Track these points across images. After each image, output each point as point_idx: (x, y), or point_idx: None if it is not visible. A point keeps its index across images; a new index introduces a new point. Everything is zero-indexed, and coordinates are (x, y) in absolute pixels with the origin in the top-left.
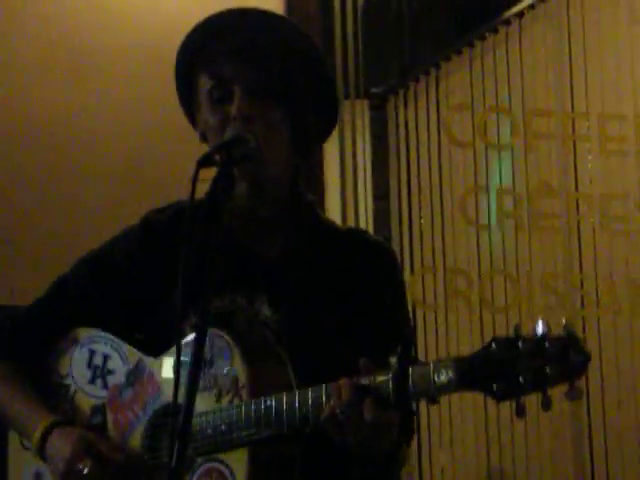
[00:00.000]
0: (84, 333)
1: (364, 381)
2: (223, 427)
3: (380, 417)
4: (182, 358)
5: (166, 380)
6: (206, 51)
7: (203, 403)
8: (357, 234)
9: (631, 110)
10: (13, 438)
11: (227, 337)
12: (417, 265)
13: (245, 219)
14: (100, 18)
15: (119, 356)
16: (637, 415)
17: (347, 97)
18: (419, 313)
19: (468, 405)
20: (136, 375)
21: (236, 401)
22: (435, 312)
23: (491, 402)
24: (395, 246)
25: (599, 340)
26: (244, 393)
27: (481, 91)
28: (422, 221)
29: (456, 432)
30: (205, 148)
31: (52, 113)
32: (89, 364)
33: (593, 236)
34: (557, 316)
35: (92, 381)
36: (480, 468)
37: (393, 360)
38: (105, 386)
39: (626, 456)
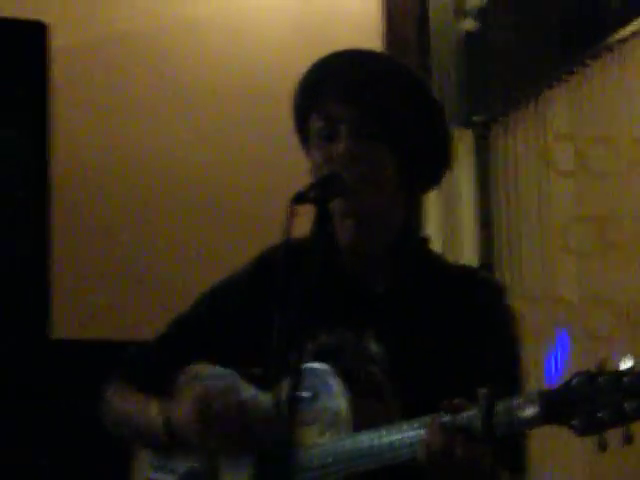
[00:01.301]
0: (202, 369)
1: (453, 418)
2: (330, 460)
3: (470, 451)
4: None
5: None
6: (317, 92)
7: (308, 437)
8: (468, 271)
9: None
10: (139, 459)
11: (331, 371)
12: (519, 293)
13: (352, 255)
14: (208, 58)
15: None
16: None
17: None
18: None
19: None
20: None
21: (337, 435)
22: (537, 341)
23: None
24: (498, 274)
25: None
26: (345, 427)
27: (584, 119)
28: (527, 248)
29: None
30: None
31: (158, 150)
32: None
33: None
34: None
35: None
36: None
37: (480, 395)
38: None
39: None
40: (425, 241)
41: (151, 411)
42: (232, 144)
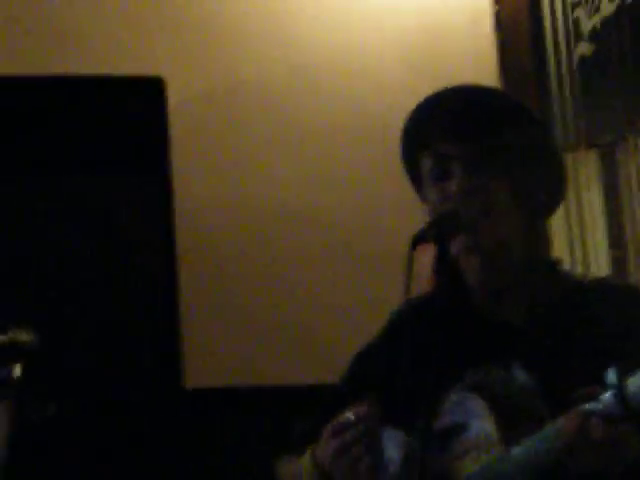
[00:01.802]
0: None
1: (587, 405)
2: None
3: (608, 433)
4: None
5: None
6: (424, 131)
7: (466, 467)
8: (601, 283)
9: None
10: None
11: (478, 398)
12: None
13: (484, 290)
14: (322, 102)
15: (392, 444)
16: None
17: (569, 149)
18: None
19: None
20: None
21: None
22: None
23: None
24: None
25: None
26: (498, 448)
27: None
28: None
29: None
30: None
31: (277, 199)
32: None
33: None
34: None
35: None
36: None
37: (611, 372)
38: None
39: None
40: (556, 264)
41: (304, 459)
42: (350, 187)
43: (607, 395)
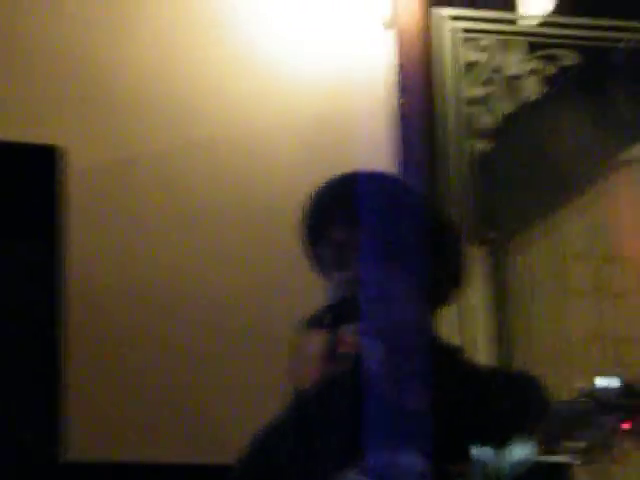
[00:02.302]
0: None
1: None
2: None
3: None
4: None
5: None
6: (320, 219)
7: None
8: (497, 372)
9: None
10: None
11: None
12: None
13: (385, 375)
14: (220, 178)
15: None
16: None
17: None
18: None
19: None
20: None
21: None
22: None
23: None
24: None
25: None
26: None
27: (598, 238)
28: (540, 369)
29: None
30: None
31: (169, 269)
32: None
33: None
34: None
35: None
36: None
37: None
38: None
39: None
40: (451, 350)
41: None
42: (241, 266)
43: (476, 470)
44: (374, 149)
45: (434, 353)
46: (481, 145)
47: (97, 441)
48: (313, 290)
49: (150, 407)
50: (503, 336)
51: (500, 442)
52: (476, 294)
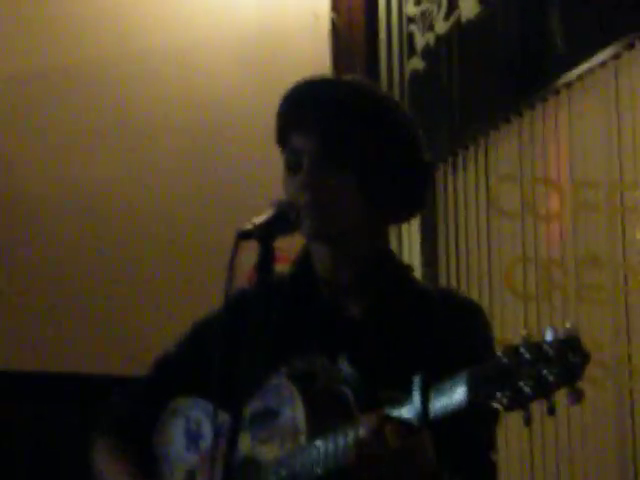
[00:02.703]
0: (182, 402)
1: (386, 410)
2: (284, 473)
3: (403, 441)
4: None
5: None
6: (285, 123)
7: (269, 453)
8: (446, 294)
9: None
10: None
11: (291, 386)
12: None
13: (328, 282)
14: (157, 90)
15: (209, 420)
16: None
17: None
18: None
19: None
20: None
21: (294, 447)
22: None
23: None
24: None
25: None
26: (302, 438)
27: (530, 161)
28: (472, 289)
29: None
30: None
31: (97, 182)
32: (185, 431)
33: None
34: (605, 388)
35: (188, 448)
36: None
37: (414, 384)
38: (197, 451)
39: None
40: (401, 265)
41: None
42: (174, 178)
43: (407, 402)
44: (311, 67)
45: (387, 267)
46: (415, 64)
47: (19, 351)
48: (252, 199)
49: (69, 319)
50: (432, 257)
51: (438, 373)
52: None
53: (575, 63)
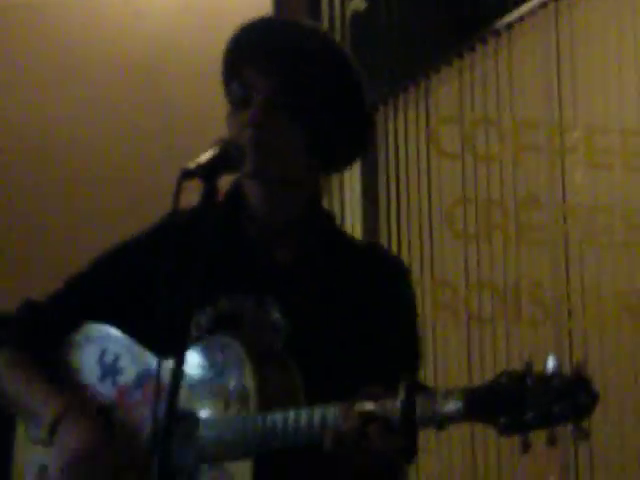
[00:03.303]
0: (96, 329)
1: (370, 406)
2: (228, 436)
3: (385, 442)
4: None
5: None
6: (237, 58)
7: (212, 409)
8: (374, 248)
9: (618, 123)
10: (20, 431)
11: (238, 346)
12: None
13: (260, 222)
14: (87, 28)
15: (130, 356)
16: (622, 427)
17: None
18: None
19: None
20: (146, 377)
21: (243, 412)
22: (422, 323)
23: None
24: None
25: (585, 353)
26: (252, 405)
27: (470, 102)
28: (413, 230)
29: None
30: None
31: (38, 122)
32: (100, 361)
33: (580, 248)
34: (544, 328)
35: (102, 379)
36: (466, 469)
37: (401, 386)
38: (114, 385)
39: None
40: (331, 216)
41: (42, 402)
42: (114, 119)
43: (391, 404)
44: (251, 4)
45: (318, 216)
46: (356, 5)
47: None
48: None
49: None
50: (374, 199)
51: (361, 326)
52: None
53: (515, 4)
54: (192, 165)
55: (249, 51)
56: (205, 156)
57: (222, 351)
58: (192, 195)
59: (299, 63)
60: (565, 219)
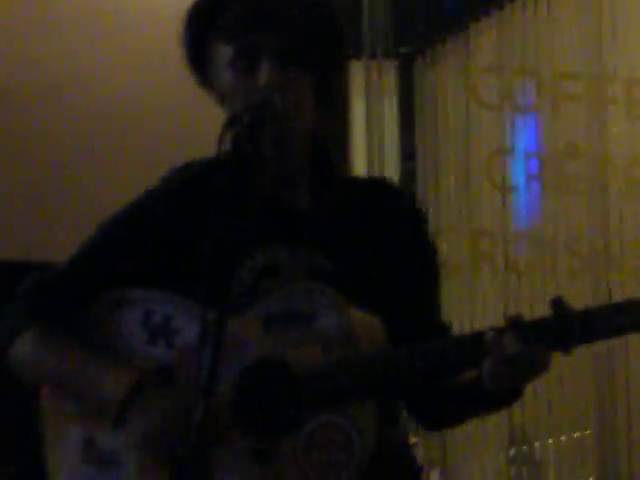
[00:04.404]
0: (134, 293)
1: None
2: (350, 379)
3: (543, 357)
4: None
5: (253, 336)
6: (222, 19)
7: (308, 358)
8: (378, 182)
9: None
10: (51, 404)
11: (329, 291)
12: (443, 226)
13: (273, 175)
14: None
15: (185, 314)
16: None
17: (374, 56)
18: (443, 273)
19: None
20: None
21: (352, 352)
22: (459, 273)
23: None
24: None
25: None
26: (362, 344)
27: (509, 53)
28: (451, 181)
29: None
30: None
31: (77, 70)
32: (145, 324)
33: (619, 200)
34: (582, 279)
35: (152, 341)
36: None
37: (553, 302)
38: (169, 346)
39: None
40: (330, 157)
41: (105, 386)
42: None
43: (547, 320)
44: None
45: (319, 158)
46: None
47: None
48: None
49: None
50: (411, 150)
51: (389, 259)
52: (385, 108)
53: None
54: (238, 112)
55: (244, 12)
56: (247, 106)
57: (309, 298)
58: None
59: (304, 20)
60: (605, 170)
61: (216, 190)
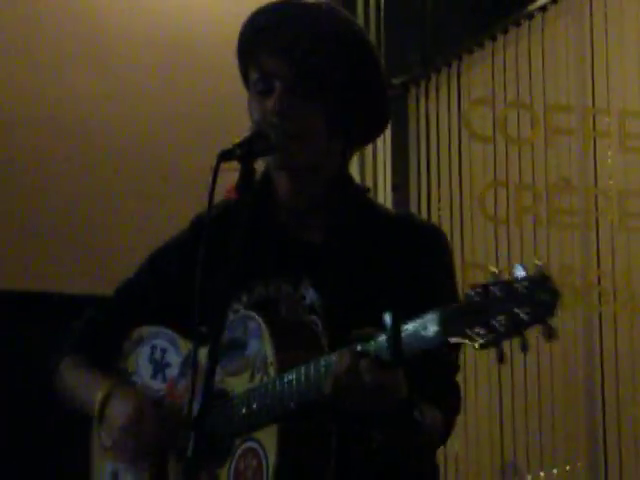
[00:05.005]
0: (147, 330)
1: (360, 347)
2: (254, 405)
3: (378, 377)
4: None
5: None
6: (253, 45)
7: (239, 385)
8: (406, 218)
9: None
10: (96, 438)
11: (258, 318)
12: None
13: (289, 207)
14: (124, 6)
15: (174, 349)
16: None
17: None
18: None
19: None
20: (188, 365)
21: (265, 379)
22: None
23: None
24: None
25: (615, 336)
26: (271, 370)
27: (502, 85)
28: (440, 214)
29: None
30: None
31: (75, 100)
32: (150, 359)
33: (611, 232)
34: (574, 312)
35: (154, 375)
36: (494, 455)
37: (386, 317)
38: (164, 379)
39: None
40: (364, 191)
41: (94, 393)
42: (159, 95)
43: (380, 339)
44: None
45: (346, 190)
46: None
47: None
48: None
49: (45, 239)
50: (404, 181)
51: (401, 297)
52: (378, 138)
53: None
54: (229, 146)
55: (266, 37)
56: (241, 137)
57: (245, 327)
58: None
59: (317, 47)
60: (597, 203)
61: (219, 228)
